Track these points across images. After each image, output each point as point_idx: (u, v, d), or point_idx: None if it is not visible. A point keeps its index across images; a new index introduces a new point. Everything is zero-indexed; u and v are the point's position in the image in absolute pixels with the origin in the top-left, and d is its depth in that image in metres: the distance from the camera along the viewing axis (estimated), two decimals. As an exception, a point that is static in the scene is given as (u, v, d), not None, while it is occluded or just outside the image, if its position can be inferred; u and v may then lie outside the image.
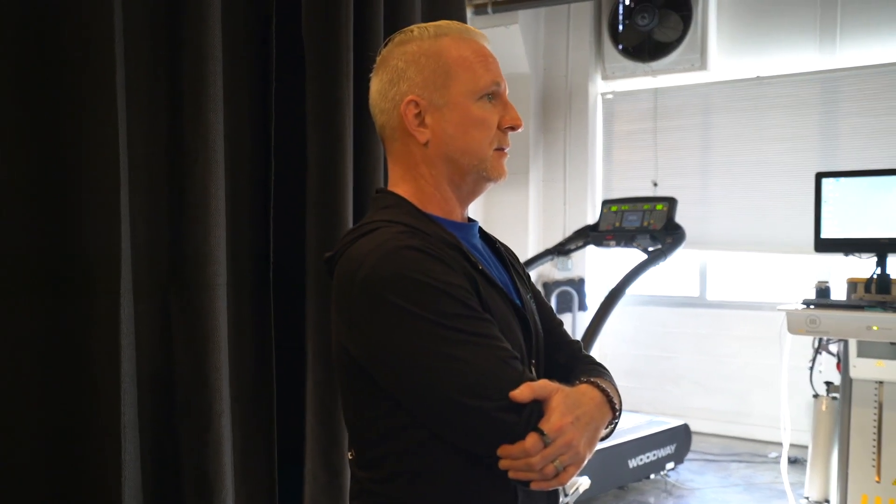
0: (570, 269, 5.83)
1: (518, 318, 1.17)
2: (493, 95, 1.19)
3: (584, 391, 1.09)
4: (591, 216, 5.85)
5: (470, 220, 1.28)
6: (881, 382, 3.21)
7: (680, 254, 4.45)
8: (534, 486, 1.03)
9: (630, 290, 4.18)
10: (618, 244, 4.59)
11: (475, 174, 1.19)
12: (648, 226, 4.55)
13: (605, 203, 4.78)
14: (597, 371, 1.24)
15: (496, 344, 1.05)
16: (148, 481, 1.69)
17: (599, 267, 5.94)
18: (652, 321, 5.75)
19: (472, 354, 1.02)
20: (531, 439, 1.00)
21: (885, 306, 3.10)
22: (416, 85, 1.17)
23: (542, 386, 1.03)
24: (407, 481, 1.11)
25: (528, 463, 1.00)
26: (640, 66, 5.75)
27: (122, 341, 1.57)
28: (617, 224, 4.66)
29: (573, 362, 1.28)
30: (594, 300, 5.36)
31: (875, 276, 3.28)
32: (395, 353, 1.04)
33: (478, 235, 1.28)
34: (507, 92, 1.23)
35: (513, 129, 1.20)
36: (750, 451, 5.09)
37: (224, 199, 1.82)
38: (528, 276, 1.35)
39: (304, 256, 2.08)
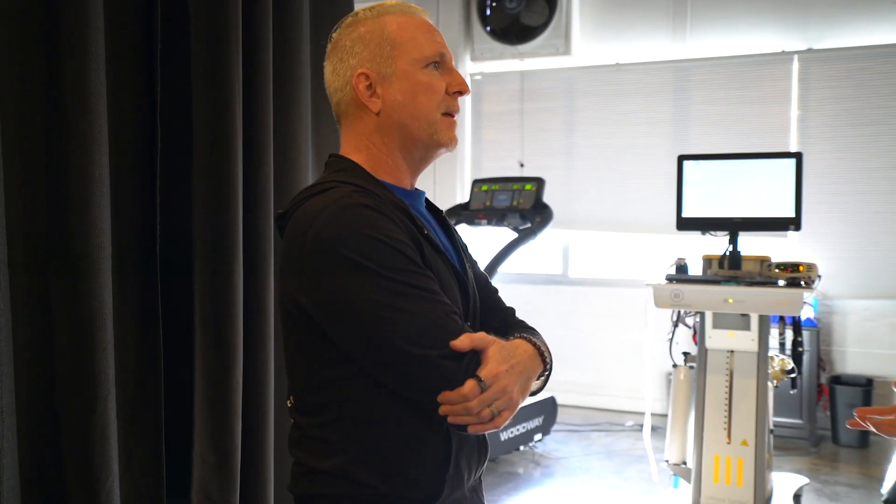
0: (440, 247, 5.89)
1: (458, 284, 1.23)
2: (439, 64, 1.24)
3: (518, 344, 1.17)
4: (461, 195, 5.94)
5: (417, 190, 1.33)
6: (732, 352, 3.47)
7: (545, 232, 4.60)
8: (471, 430, 1.10)
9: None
10: (489, 223, 4.69)
11: (426, 139, 1.24)
12: (518, 205, 4.67)
13: (476, 182, 4.86)
14: (529, 330, 1.33)
15: (440, 299, 1.11)
16: (27, 470, 1.56)
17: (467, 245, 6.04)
18: (516, 298, 5.83)
19: (418, 306, 1.08)
20: (469, 384, 1.07)
21: (737, 280, 3.35)
22: (365, 59, 1.22)
23: (481, 337, 1.11)
24: (348, 426, 1.15)
25: (466, 407, 1.07)
26: (507, 48, 5.87)
27: (-2, 320, 1.44)
28: (488, 203, 4.76)
29: (507, 326, 1.36)
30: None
31: (728, 253, 3.53)
32: (346, 303, 1.08)
33: (424, 204, 1.33)
34: (453, 62, 1.28)
35: (460, 93, 1.26)
36: (609, 421, 5.37)
37: (107, 168, 1.70)
38: (466, 247, 1.40)
39: (190, 229, 1.98)
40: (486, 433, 1.23)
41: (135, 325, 1.83)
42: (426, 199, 1.35)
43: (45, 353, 1.61)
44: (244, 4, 2.07)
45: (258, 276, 2.19)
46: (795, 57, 5.24)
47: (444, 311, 1.10)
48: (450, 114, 1.25)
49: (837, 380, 4.92)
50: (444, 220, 1.35)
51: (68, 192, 1.62)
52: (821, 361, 4.95)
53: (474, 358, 1.09)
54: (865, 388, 4.79)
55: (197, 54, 1.99)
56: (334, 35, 1.28)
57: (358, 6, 2.60)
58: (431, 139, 1.23)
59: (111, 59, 1.74)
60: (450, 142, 1.25)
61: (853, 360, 5.07)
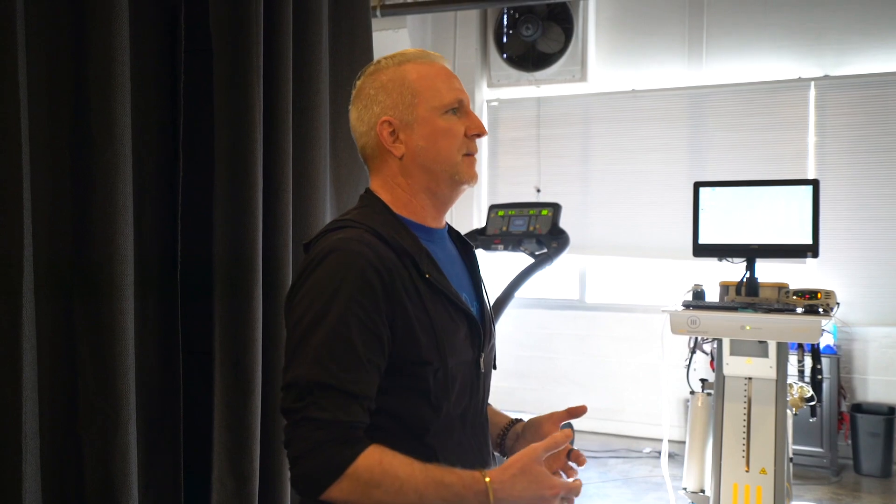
0: (456, 272, 5.90)
1: (468, 322, 1.30)
2: (458, 109, 1.32)
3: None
4: (477, 220, 5.96)
5: (449, 224, 1.41)
6: (750, 379, 3.45)
7: (562, 258, 4.60)
8: None
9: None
10: (505, 248, 4.70)
11: (449, 180, 1.31)
12: (534, 230, 4.68)
13: (493, 208, 4.88)
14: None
15: (331, 369, 1.14)
16: (49, 493, 1.59)
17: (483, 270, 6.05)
18: (533, 323, 5.92)
19: (307, 360, 1.14)
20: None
21: (755, 307, 3.34)
22: (388, 107, 1.30)
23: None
24: None
25: None
26: (524, 75, 5.92)
27: (23, 345, 1.47)
28: (504, 228, 4.77)
29: None
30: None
31: (745, 280, 3.52)
32: (290, 325, 1.20)
33: (447, 239, 1.40)
34: (470, 105, 1.35)
35: (478, 135, 1.33)
36: (626, 447, 5.33)
37: (131, 196, 1.74)
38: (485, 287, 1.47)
39: (211, 256, 2.02)
40: (487, 458, 1.33)
41: (155, 350, 1.86)
42: (457, 234, 1.43)
43: (68, 377, 1.64)
44: (265, 36, 2.12)
45: (277, 302, 2.21)
46: (812, 84, 5.24)
47: (315, 378, 1.13)
48: (470, 154, 1.32)
49: (858, 408, 4.87)
50: (472, 255, 1.43)
51: (93, 222, 1.66)
52: (841, 389, 4.90)
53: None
54: (888, 416, 4.73)
55: (219, 84, 2.03)
56: (358, 82, 1.35)
57: (375, 35, 2.64)
58: (453, 179, 1.31)
59: (135, 91, 1.78)
60: (471, 179, 1.32)
61: (874, 387, 5.01)
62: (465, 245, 1.44)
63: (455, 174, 1.30)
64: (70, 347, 1.64)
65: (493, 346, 1.40)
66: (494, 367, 1.48)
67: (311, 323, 1.15)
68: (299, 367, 1.14)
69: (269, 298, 2.17)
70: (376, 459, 1.12)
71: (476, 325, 1.31)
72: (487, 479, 1.12)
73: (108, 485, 1.64)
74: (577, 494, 1.18)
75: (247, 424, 2.02)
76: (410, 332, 1.20)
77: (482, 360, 1.33)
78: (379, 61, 1.34)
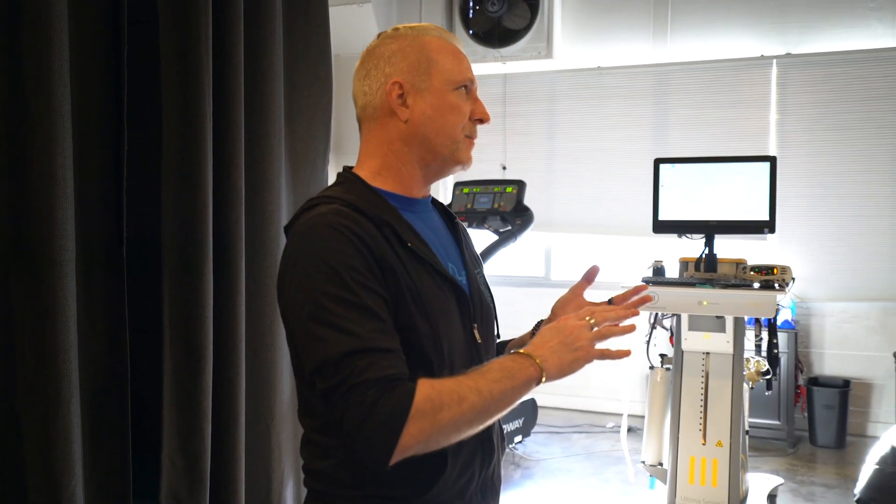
0: (421, 249, 5.88)
1: (455, 292, 1.29)
2: (467, 89, 1.32)
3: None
4: (443, 197, 5.95)
5: (433, 197, 1.40)
6: (708, 353, 3.49)
7: (527, 235, 4.62)
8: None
9: (480, 270, 4.29)
10: (469, 225, 4.69)
11: (447, 155, 1.31)
12: (499, 208, 4.68)
13: (457, 185, 4.87)
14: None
15: (357, 332, 1.12)
16: (-13, 474, 1.56)
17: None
18: (499, 300, 5.85)
19: (330, 335, 1.12)
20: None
21: (713, 283, 3.37)
22: (402, 70, 1.29)
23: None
24: (336, 432, 1.17)
25: None
26: (489, 51, 5.88)
27: (-43, 322, 1.43)
28: (469, 206, 4.76)
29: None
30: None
31: (704, 256, 3.55)
32: (290, 316, 1.19)
33: (433, 210, 1.40)
34: (478, 90, 1.35)
35: (481, 121, 1.34)
36: (589, 423, 5.39)
37: (72, 169, 1.69)
38: (478, 256, 1.47)
39: (159, 232, 1.98)
40: (492, 434, 1.33)
41: (101, 328, 1.82)
42: (441, 206, 1.43)
43: (6, 355, 1.61)
44: (214, 5, 2.07)
45: (229, 279, 2.18)
46: (774, 61, 5.28)
47: (345, 348, 1.11)
48: (470, 136, 1.33)
49: (815, 381, 4.96)
50: (457, 226, 1.42)
51: (31, 194, 1.61)
52: (799, 363, 4.98)
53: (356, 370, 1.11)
54: (842, 389, 4.82)
55: (166, 56, 1.98)
56: (371, 45, 1.34)
57: (338, 9, 2.59)
58: (452, 156, 1.31)
59: (76, 60, 1.73)
60: (467, 160, 1.33)
61: (830, 361, 5.11)
62: (451, 217, 1.44)
63: (455, 151, 1.30)
64: (8, 325, 1.61)
65: (491, 316, 1.40)
66: (498, 336, 1.50)
67: (316, 303, 1.13)
68: (322, 346, 1.12)
69: (220, 275, 2.14)
70: (429, 386, 1.10)
71: (463, 295, 1.30)
72: (522, 350, 1.19)
73: (49, 465, 1.62)
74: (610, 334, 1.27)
75: (197, 403, 1.99)
76: (401, 298, 1.19)
77: (477, 330, 1.33)
78: (398, 28, 1.34)
